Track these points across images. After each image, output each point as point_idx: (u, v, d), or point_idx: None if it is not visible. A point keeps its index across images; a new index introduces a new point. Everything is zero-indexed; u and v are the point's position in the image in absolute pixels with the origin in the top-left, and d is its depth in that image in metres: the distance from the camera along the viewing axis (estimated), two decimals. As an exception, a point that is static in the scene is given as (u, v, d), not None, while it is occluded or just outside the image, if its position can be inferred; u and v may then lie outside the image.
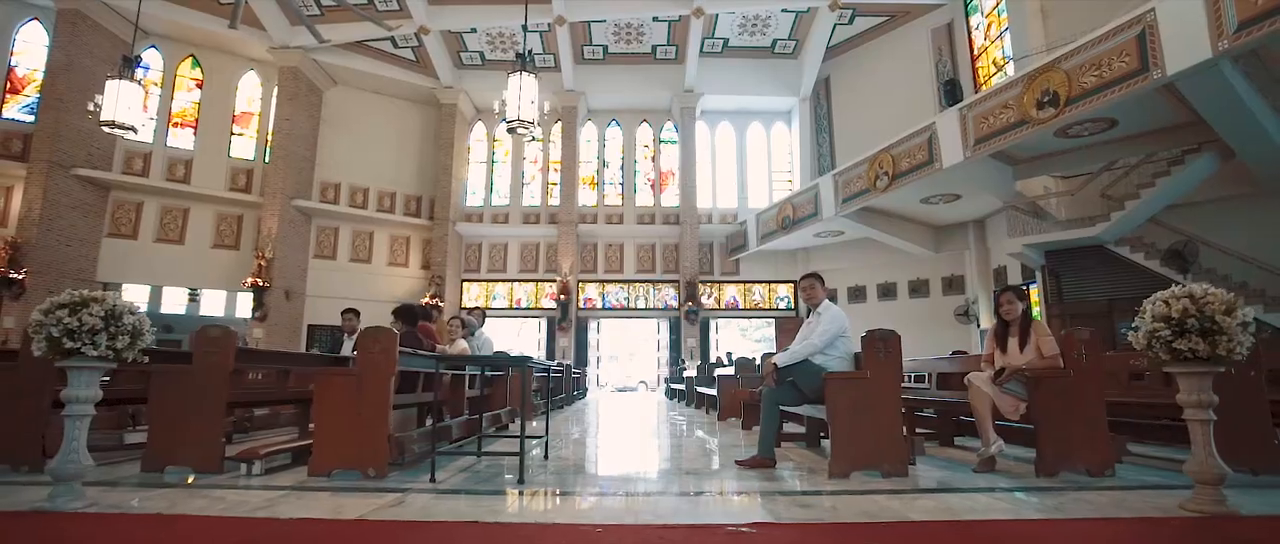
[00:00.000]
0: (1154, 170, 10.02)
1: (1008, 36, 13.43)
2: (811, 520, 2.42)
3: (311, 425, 4.23)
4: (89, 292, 2.39)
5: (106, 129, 9.71)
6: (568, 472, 3.74)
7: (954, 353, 5.90)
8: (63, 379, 2.41)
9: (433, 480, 3.09)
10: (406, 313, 4.38)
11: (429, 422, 4.13)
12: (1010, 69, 12.95)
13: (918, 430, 4.65)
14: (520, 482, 3.20)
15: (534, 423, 6.71)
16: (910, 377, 6.26)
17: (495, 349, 5.78)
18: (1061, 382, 3.31)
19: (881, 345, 3.26)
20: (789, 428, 5.36)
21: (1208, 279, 9.65)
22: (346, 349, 5.33)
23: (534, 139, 8.90)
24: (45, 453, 3.12)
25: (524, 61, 8.67)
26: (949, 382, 4.36)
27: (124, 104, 9.72)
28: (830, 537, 2.20)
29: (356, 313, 5.68)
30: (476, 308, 5.78)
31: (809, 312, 4.05)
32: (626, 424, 7.34)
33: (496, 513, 2.58)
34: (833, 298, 17.44)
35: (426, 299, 16.22)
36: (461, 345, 4.93)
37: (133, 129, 9.93)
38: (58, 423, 2.92)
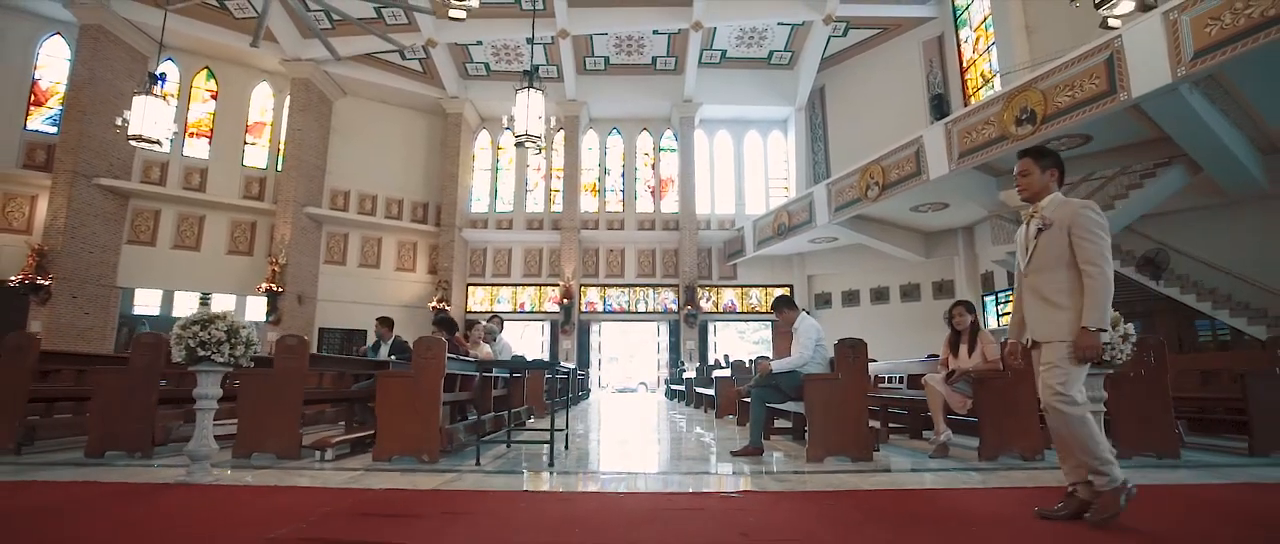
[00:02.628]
0: (1128, 182, 10.55)
1: (995, 51, 13.98)
2: (786, 490, 3.00)
3: (356, 421, 4.78)
4: (212, 312, 2.93)
5: (134, 143, 10.29)
6: (587, 457, 4.34)
7: (929, 356, 6.44)
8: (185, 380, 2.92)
9: (478, 464, 3.66)
10: (446, 324, 4.95)
11: (467, 416, 4.68)
12: (997, 82, 13.50)
13: (891, 425, 5.23)
14: (550, 464, 3.76)
15: (543, 419, 7.27)
16: (893, 378, 6.81)
17: (513, 353, 6.32)
18: (1001, 382, 3.89)
19: (851, 352, 3.83)
20: (780, 423, 5.94)
21: (1178, 285, 10.25)
22: (382, 354, 5.88)
23: (539, 150, 9.47)
24: (154, 441, 3.66)
25: (531, 79, 9.23)
26: (918, 382, 4.93)
27: (150, 119, 10.31)
28: (798, 501, 2.78)
29: (391, 321, 6.23)
30: (495, 315, 6.31)
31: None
32: (632, 421, 7.88)
33: (537, 486, 3.19)
34: (827, 302, 17.94)
35: (434, 303, 16.75)
36: (485, 350, 5.46)
37: (158, 142, 10.51)
38: (162, 417, 3.44)
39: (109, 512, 2.41)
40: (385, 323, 6.11)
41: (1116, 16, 6.54)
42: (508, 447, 4.41)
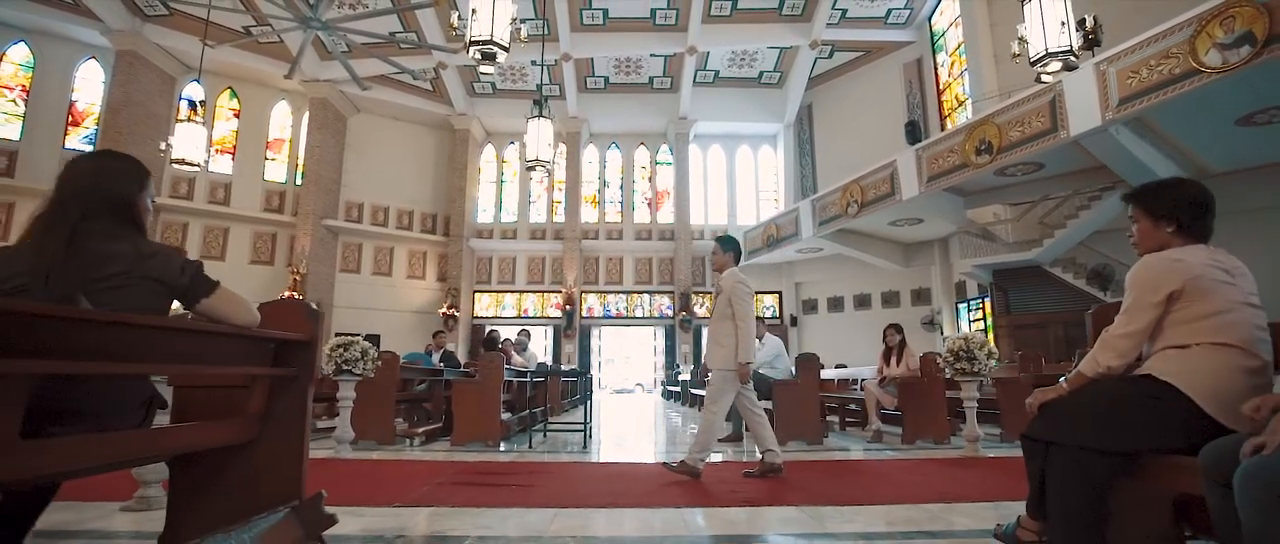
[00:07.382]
0: (1079, 204, 11.72)
1: (968, 76, 15.13)
2: (755, 460, 4.12)
3: (416, 417, 5.87)
4: (350, 336, 4.02)
5: (176, 165, 11.34)
6: (608, 443, 5.55)
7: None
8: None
9: (530, 447, 4.81)
10: (491, 342, 6.10)
11: (510, 413, 5.87)
12: (970, 106, 14.65)
13: (847, 419, 6.39)
14: (584, 447, 4.90)
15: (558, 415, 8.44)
16: (858, 383, 7.94)
17: (539, 362, 7.44)
18: (919, 385, 5.05)
19: (807, 363, 4.98)
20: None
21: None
22: (435, 360, 6.98)
23: (549, 172, 10.53)
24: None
25: (541, 108, 10.28)
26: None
27: (191, 143, 11.37)
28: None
29: (442, 334, 7.36)
30: (524, 330, 7.40)
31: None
32: (635, 418, 9.02)
33: (579, 459, 4.33)
34: (814, 307, 18.98)
35: (443, 310, 17.79)
36: (516, 360, 6.58)
37: (197, 166, 11.58)
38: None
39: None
40: (438, 335, 7.25)
41: (1049, 73, 7.65)
42: (544, 436, 5.57)
